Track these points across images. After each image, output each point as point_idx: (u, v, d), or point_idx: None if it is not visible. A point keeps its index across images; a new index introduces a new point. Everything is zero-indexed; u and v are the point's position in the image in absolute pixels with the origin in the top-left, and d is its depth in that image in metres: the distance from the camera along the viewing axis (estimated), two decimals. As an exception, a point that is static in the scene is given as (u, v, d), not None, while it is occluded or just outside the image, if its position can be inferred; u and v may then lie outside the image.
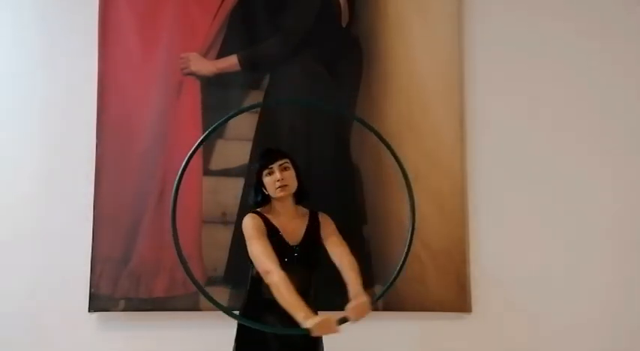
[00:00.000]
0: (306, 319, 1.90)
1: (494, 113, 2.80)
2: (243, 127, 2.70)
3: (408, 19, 2.80)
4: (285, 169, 2.16)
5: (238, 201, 2.65)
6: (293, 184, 2.18)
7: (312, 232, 2.20)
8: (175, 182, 2.14)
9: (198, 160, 2.68)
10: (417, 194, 2.60)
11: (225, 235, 2.64)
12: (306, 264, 2.14)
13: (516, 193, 2.77)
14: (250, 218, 2.15)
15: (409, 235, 2.22)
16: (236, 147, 2.69)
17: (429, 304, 2.66)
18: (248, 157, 2.69)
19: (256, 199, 2.22)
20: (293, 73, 2.75)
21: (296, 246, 2.15)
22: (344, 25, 2.79)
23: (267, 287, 2.04)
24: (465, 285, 2.67)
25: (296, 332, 1.97)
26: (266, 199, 2.22)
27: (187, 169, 2.64)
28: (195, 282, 2.15)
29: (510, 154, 2.79)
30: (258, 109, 2.72)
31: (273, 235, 2.12)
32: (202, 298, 2.57)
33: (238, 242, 2.49)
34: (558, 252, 2.75)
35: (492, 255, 2.72)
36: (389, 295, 2.60)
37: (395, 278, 2.21)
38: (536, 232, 2.75)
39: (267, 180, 2.17)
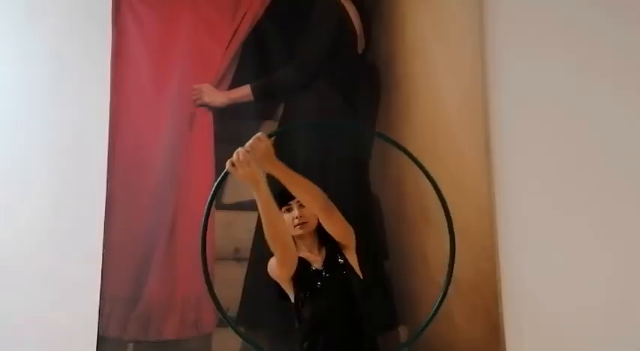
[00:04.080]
0: None
1: (520, 139, 2.68)
2: (257, 159, 2.66)
3: (428, 44, 2.73)
4: (303, 206, 2.07)
5: (252, 235, 2.58)
6: (312, 221, 2.09)
7: (333, 251, 2.08)
8: (205, 210, 2.04)
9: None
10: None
11: (239, 273, 2.57)
12: (339, 286, 2.02)
13: (550, 223, 2.60)
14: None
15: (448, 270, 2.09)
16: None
17: (458, 345, 2.52)
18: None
19: None
20: (308, 102, 2.71)
21: (322, 269, 2.04)
22: (360, 51, 2.73)
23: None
24: (497, 324, 2.51)
25: None
26: None
27: (199, 204, 2.61)
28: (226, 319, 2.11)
29: (541, 180, 2.65)
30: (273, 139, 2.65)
31: (299, 264, 2.02)
32: (215, 340, 2.55)
33: (252, 280, 2.47)
34: (600, 286, 2.56)
35: (526, 291, 2.56)
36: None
37: (429, 321, 2.02)
38: (575, 265, 2.57)
39: (285, 217, 2.09)
